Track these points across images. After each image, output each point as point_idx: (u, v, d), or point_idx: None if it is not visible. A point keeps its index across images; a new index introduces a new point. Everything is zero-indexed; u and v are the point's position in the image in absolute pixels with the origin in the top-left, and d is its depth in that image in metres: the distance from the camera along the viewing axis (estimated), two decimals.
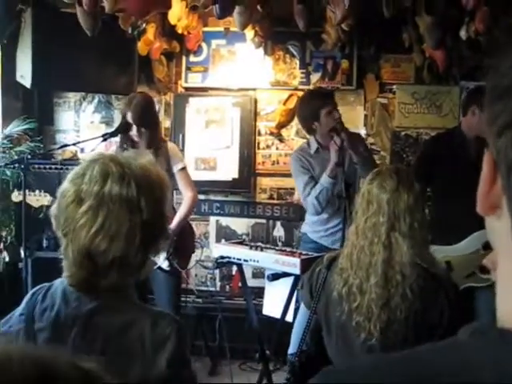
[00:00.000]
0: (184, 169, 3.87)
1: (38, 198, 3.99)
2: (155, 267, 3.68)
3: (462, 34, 3.88)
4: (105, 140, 3.62)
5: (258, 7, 3.69)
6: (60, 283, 1.46)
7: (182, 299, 4.35)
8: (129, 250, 1.38)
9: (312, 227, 3.96)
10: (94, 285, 1.41)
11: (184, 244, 3.86)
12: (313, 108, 3.72)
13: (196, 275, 5.05)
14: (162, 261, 3.70)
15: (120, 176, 1.39)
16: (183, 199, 3.93)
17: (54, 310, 1.42)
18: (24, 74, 4.09)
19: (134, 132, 3.68)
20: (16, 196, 4.03)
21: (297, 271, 3.14)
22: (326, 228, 3.86)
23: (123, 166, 1.41)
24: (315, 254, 3.25)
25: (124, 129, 3.67)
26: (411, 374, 0.60)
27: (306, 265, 3.00)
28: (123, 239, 1.37)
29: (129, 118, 3.68)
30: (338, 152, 3.54)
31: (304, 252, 3.42)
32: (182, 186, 3.88)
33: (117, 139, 3.88)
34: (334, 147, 3.56)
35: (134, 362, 1.34)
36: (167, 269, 3.74)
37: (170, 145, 3.94)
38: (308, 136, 3.99)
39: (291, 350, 2.39)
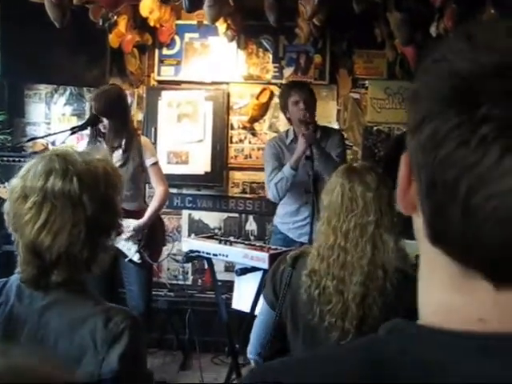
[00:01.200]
0: (156, 163, 3.88)
1: (6, 191, 3.95)
2: (126, 260, 3.69)
3: (432, 30, 3.91)
4: (73, 133, 3.59)
5: (230, 0, 3.67)
6: (15, 279, 1.46)
7: (154, 293, 4.35)
8: (74, 245, 1.39)
9: (281, 219, 4.00)
10: (44, 281, 1.41)
11: (155, 237, 3.87)
12: (283, 98, 3.87)
13: (168, 269, 5.04)
14: (133, 253, 3.70)
15: (63, 172, 1.40)
16: (155, 193, 3.94)
17: (8, 306, 1.42)
18: None
19: (103, 122, 3.67)
20: None
21: (265, 266, 3.16)
22: (293, 221, 3.89)
23: (67, 163, 1.41)
24: (284, 249, 3.27)
25: (93, 122, 3.64)
26: (326, 372, 0.62)
27: (274, 259, 2.99)
28: (67, 235, 1.38)
29: (93, 108, 3.66)
30: (305, 144, 3.56)
31: (273, 247, 3.44)
32: (153, 181, 3.90)
33: (88, 132, 3.86)
34: (301, 139, 3.59)
35: (85, 358, 1.33)
36: (138, 261, 3.75)
37: (143, 139, 3.94)
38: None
39: (252, 349, 2.33)
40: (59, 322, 1.39)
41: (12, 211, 1.41)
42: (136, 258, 3.74)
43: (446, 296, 0.59)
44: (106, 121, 3.65)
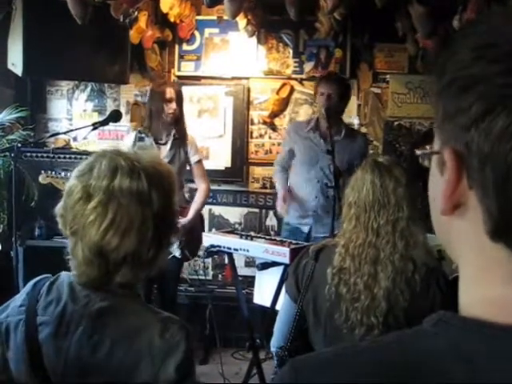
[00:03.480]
0: (200, 161, 4.00)
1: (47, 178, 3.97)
2: (170, 256, 3.73)
3: (455, 23, 3.87)
4: (95, 129, 3.60)
5: None
6: (67, 277, 1.41)
7: None
8: (141, 245, 1.34)
9: (293, 211, 4.03)
10: (104, 283, 1.37)
11: (195, 233, 3.94)
12: (315, 87, 4.00)
13: (189, 264, 5.04)
14: (175, 249, 3.83)
15: (130, 169, 1.35)
16: (198, 190, 4.04)
17: (60, 305, 1.37)
18: (15, 62, 4.06)
19: (171, 105, 3.80)
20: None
21: (286, 261, 3.14)
22: (301, 195, 4.00)
23: (132, 160, 1.37)
24: (305, 244, 3.26)
25: (114, 117, 3.66)
26: (376, 362, 0.60)
27: (295, 254, 2.99)
28: (135, 234, 1.33)
29: (167, 92, 3.80)
30: (326, 138, 3.59)
31: (294, 241, 3.43)
32: (197, 178, 4.01)
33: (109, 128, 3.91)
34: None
35: (140, 367, 1.30)
36: (179, 257, 3.87)
37: (189, 136, 4.02)
38: None
39: (275, 342, 2.35)
40: (116, 328, 1.34)
41: (71, 213, 1.35)
42: (177, 253, 3.85)
43: (504, 290, 0.58)
44: (177, 106, 3.81)
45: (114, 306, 1.36)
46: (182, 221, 3.81)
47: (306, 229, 3.96)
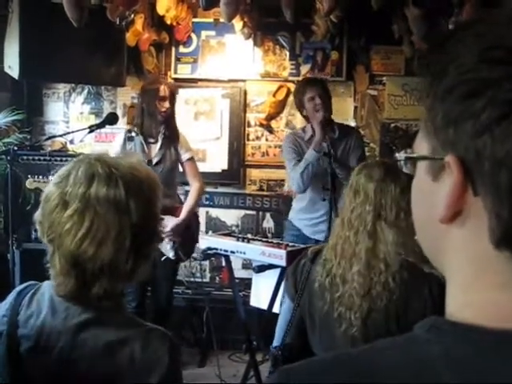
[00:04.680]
0: (191, 159, 3.90)
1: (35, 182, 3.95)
2: (163, 259, 3.71)
3: (451, 26, 3.88)
4: (92, 131, 3.61)
5: None
6: (48, 288, 1.38)
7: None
8: (118, 255, 1.30)
9: (297, 214, 4.00)
10: (83, 294, 1.32)
11: (189, 234, 3.89)
12: (298, 96, 3.85)
13: (185, 266, 5.05)
14: (168, 251, 3.77)
15: (107, 176, 1.31)
16: (190, 190, 3.96)
17: (40, 318, 1.33)
18: (12, 64, 4.05)
19: (165, 104, 3.74)
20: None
21: (283, 263, 3.15)
22: (310, 217, 3.89)
23: (110, 166, 1.33)
24: (301, 246, 3.26)
25: (111, 120, 3.66)
26: (367, 370, 0.60)
27: (292, 257, 3.00)
28: (112, 243, 1.29)
29: (161, 90, 3.73)
30: (322, 125, 3.57)
31: (290, 244, 3.43)
32: (189, 176, 3.92)
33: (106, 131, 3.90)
34: (317, 120, 3.63)
35: (122, 381, 1.27)
36: (173, 258, 3.80)
37: (180, 135, 3.94)
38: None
39: (275, 342, 2.39)
40: (96, 342, 1.30)
41: (48, 220, 1.31)
42: (171, 255, 3.78)
43: (498, 295, 0.58)
44: (169, 104, 3.75)
45: (93, 319, 1.32)
46: (174, 223, 3.75)
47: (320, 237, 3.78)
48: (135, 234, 1.32)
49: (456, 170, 0.57)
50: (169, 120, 3.81)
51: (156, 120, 3.77)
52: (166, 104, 3.75)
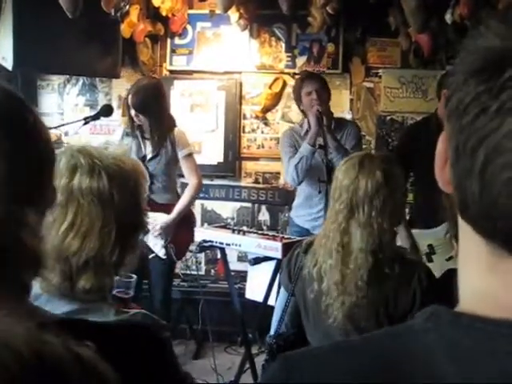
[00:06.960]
0: (189, 155, 3.81)
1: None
2: (151, 256, 3.67)
3: (448, 17, 3.87)
4: (86, 123, 3.59)
5: None
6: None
7: None
8: (103, 247, 1.27)
9: (296, 211, 3.98)
10: (69, 288, 1.28)
11: (183, 233, 3.78)
12: (296, 90, 3.85)
13: (181, 259, 5.05)
14: (158, 249, 3.69)
15: (90, 168, 1.28)
16: (188, 185, 3.87)
17: None
18: (5, 55, 4.02)
19: (132, 113, 3.67)
20: None
21: (278, 255, 3.15)
22: (308, 213, 3.88)
23: (93, 158, 1.30)
24: (297, 238, 3.26)
25: (106, 112, 3.65)
26: (368, 359, 0.60)
27: (287, 249, 3.00)
28: (96, 236, 1.26)
29: (129, 101, 3.66)
30: (317, 118, 3.55)
31: (286, 236, 3.43)
32: (186, 173, 3.84)
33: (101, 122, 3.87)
34: (312, 113, 3.60)
35: None
36: (163, 257, 3.72)
37: (176, 130, 3.84)
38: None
39: (272, 332, 2.42)
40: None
41: None
42: (161, 253, 3.71)
43: (482, 280, 0.58)
44: (134, 113, 3.66)
45: (80, 310, 1.27)
46: (164, 221, 3.67)
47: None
48: (120, 225, 1.29)
49: (440, 142, 0.61)
50: (152, 126, 3.70)
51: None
52: (140, 118, 3.66)
